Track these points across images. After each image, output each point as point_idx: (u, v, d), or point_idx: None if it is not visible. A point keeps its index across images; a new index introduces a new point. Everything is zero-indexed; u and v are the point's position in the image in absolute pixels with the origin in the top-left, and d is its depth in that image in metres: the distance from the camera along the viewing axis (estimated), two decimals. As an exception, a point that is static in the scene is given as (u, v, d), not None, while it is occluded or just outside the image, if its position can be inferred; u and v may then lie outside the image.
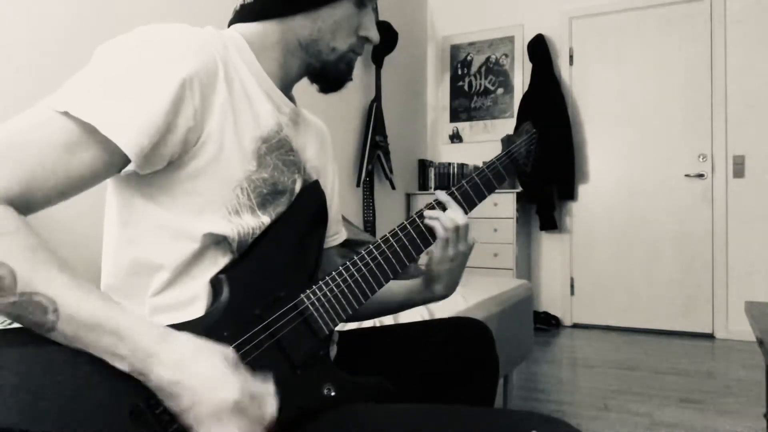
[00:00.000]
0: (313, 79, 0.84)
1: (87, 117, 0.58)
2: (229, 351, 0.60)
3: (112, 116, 0.59)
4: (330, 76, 0.82)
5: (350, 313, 0.79)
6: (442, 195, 0.89)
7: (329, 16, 0.77)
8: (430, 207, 0.88)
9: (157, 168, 0.65)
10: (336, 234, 0.98)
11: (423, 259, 2.43)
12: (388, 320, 1.57)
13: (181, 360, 0.56)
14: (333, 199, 0.95)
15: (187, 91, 0.63)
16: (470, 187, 0.93)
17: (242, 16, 0.79)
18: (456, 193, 0.91)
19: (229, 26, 0.81)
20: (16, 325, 0.54)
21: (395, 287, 0.98)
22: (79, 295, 0.54)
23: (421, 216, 0.87)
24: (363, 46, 0.83)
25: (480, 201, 0.94)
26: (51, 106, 0.59)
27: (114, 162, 0.61)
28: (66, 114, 0.58)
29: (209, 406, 0.55)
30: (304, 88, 0.88)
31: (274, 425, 0.60)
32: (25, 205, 0.57)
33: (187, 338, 0.58)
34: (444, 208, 0.88)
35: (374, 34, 0.82)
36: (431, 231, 0.87)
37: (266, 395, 0.60)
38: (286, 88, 0.82)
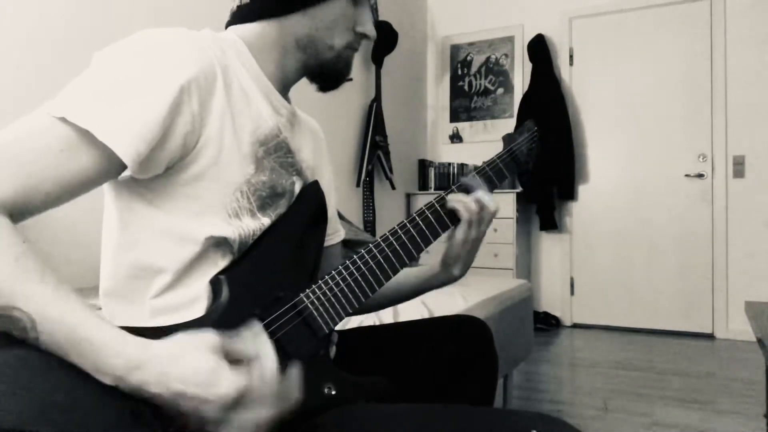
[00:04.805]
0: (312, 79, 0.84)
1: (83, 123, 0.58)
2: (210, 337, 0.56)
3: (109, 122, 0.59)
4: (328, 74, 0.82)
5: (350, 312, 0.79)
6: (466, 179, 0.89)
7: (326, 14, 0.77)
8: (449, 192, 0.89)
9: (154, 173, 0.65)
10: (335, 232, 0.99)
11: (423, 259, 2.43)
12: (387, 319, 1.57)
13: (169, 362, 0.53)
14: (330, 197, 0.95)
15: (185, 96, 0.63)
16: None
17: (239, 17, 0.79)
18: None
19: (226, 28, 0.81)
20: None
21: (408, 274, 0.97)
22: (58, 311, 0.51)
23: (421, 213, 0.87)
24: (360, 42, 0.83)
25: None
26: (48, 112, 0.58)
27: (111, 168, 0.61)
28: (63, 120, 0.58)
29: (213, 403, 0.52)
30: (304, 88, 0.88)
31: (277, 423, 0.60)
32: (21, 210, 0.56)
33: (166, 343, 0.54)
34: (466, 191, 0.88)
35: (371, 30, 0.82)
36: (442, 221, 0.87)
37: (264, 359, 0.57)
38: (284, 89, 0.82)
